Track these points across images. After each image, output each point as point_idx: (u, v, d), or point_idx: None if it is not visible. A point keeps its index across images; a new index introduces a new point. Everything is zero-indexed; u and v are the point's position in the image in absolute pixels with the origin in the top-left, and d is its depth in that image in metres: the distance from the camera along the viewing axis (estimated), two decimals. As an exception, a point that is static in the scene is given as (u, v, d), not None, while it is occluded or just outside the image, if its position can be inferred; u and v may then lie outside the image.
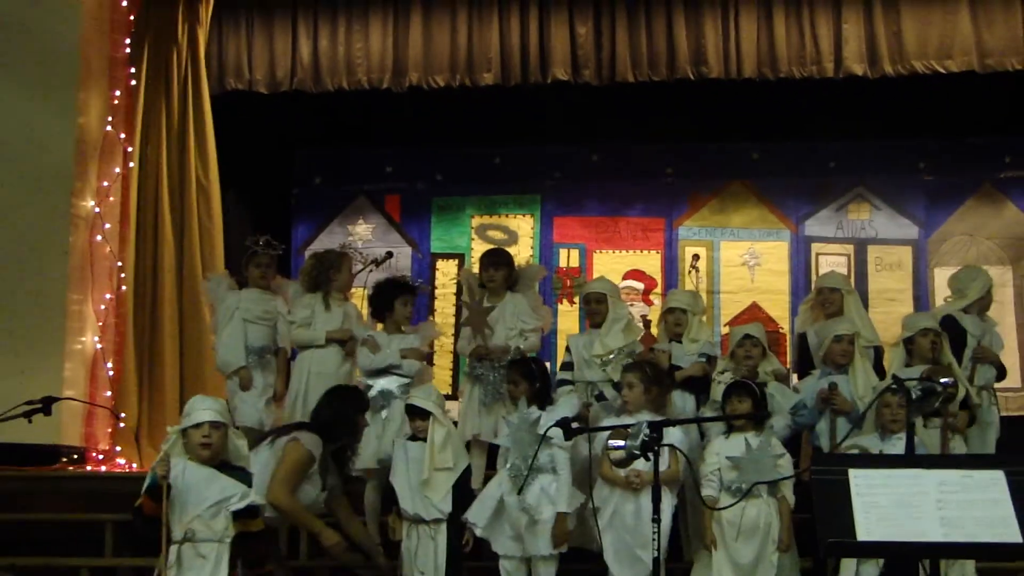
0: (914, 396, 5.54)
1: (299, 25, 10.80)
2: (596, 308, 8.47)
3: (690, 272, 11.40)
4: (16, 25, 9.98)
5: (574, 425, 6.17)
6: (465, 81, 10.65)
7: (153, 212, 10.49)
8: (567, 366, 8.52)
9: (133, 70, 10.58)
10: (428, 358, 9.19)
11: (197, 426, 6.27)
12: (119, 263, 10.31)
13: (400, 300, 8.52)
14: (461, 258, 11.86)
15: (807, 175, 11.83)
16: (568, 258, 11.91)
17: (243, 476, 6.35)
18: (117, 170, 10.38)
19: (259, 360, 8.88)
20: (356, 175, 12.19)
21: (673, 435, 6.88)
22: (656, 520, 5.03)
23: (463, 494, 7.25)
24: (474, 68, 10.62)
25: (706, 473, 7.34)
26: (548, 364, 9.38)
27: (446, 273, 11.86)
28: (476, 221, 11.95)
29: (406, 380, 8.26)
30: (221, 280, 9.14)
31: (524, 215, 12.03)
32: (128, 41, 10.60)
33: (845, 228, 11.79)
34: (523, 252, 11.71)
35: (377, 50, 10.69)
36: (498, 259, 8.64)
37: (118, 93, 10.48)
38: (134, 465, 10.06)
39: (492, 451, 8.11)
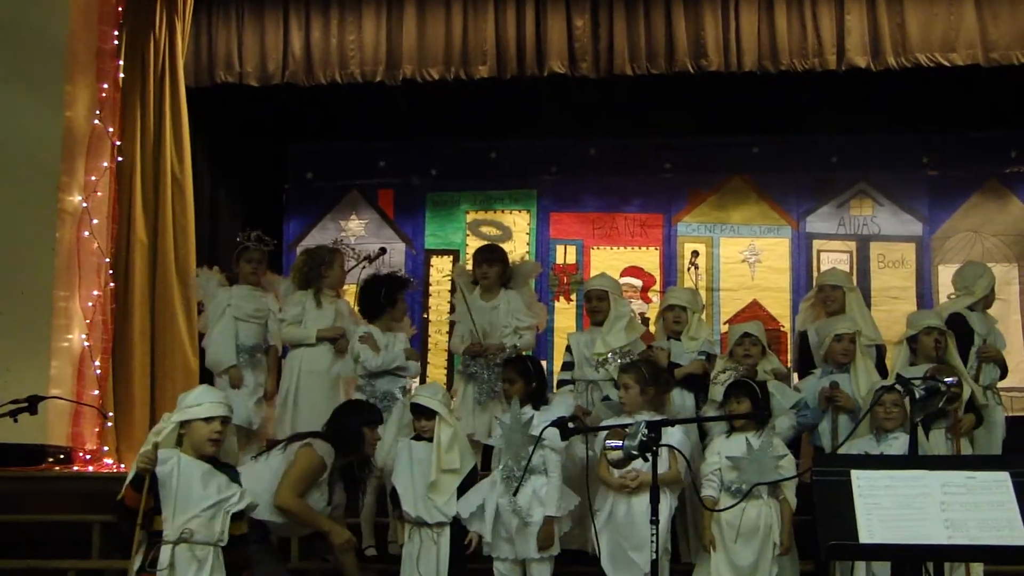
0: (918, 396, 5.49)
1: (291, 17, 10.69)
2: (597, 306, 8.41)
3: (689, 269, 11.30)
4: (2, 17, 9.89)
5: (570, 425, 6.09)
6: (460, 74, 10.56)
7: (128, 207, 10.40)
8: (568, 366, 8.41)
9: (121, 63, 10.45)
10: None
11: (207, 420, 6.12)
12: (107, 259, 10.19)
13: (401, 296, 8.51)
14: (456, 254, 11.76)
15: (808, 170, 11.76)
16: (565, 254, 11.84)
17: (233, 474, 6.23)
18: (105, 164, 10.29)
19: (250, 359, 8.89)
20: (349, 169, 12.13)
21: (672, 435, 6.78)
22: (655, 522, 4.95)
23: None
24: (469, 61, 10.53)
25: (706, 473, 7.29)
26: (544, 363, 9.31)
27: (440, 270, 11.77)
28: (471, 216, 11.82)
29: (404, 381, 8.22)
30: (211, 276, 9.11)
31: (520, 211, 11.95)
32: (116, 33, 10.47)
33: (847, 224, 11.71)
34: (519, 248, 11.67)
35: (370, 42, 10.59)
36: (492, 255, 8.59)
37: (106, 86, 10.39)
38: (122, 465, 9.95)
39: (486, 451, 8.03)
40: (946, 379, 5.86)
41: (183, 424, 6.12)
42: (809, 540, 6.86)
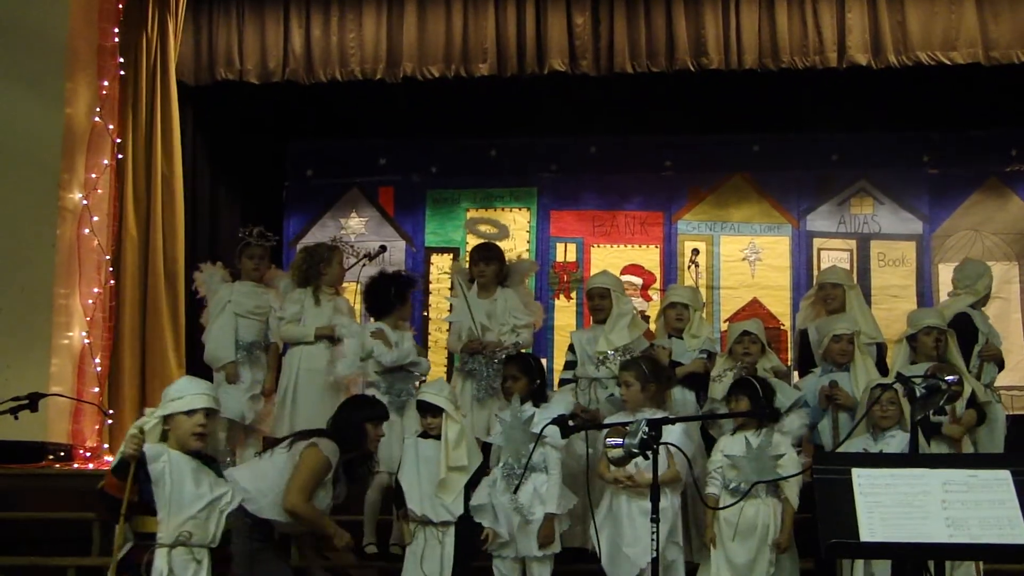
0: (919, 394, 5.47)
1: (291, 14, 10.69)
2: (600, 304, 8.39)
3: (690, 267, 11.29)
4: (2, 14, 9.88)
5: (571, 423, 6.08)
6: (460, 72, 10.55)
7: (120, 204, 10.41)
8: (571, 364, 8.40)
9: (122, 60, 10.44)
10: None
11: (190, 413, 5.90)
12: (107, 256, 10.18)
13: (410, 294, 8.52)
14: (456, 252, 11.74)
15: (809, 168, 11.74)
16: (565, 252, 11.82)
17: (217, 469, 6.08)
18: (105, 161, 10.28)
19: (248, 356, 8.88)
20: (349, 167, 12.11)
21: (672, 433, 6.71)
22: (655, 520, 4.91)
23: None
24: (469, 58, 10.52)
25: (711, 471, 7.28)
26: (545, 361, 9.31)
27: (440, 267, 11.76)
28: (470, 215, 11.80)
29: (416, 378, 8.23)
30: (215, 272, 9.11)
31: (520, 208, 11.93)
32: (116, 30, 10.46)
33: (847, 223, 11.70)
34: (519, 246, 11.67)
35: (371, 40, 10.58)
36: (489, 254, 8.58)
37: (106, 83, 10.37)
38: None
39: (484, 448, 7.97)
40: (947, 377, 5.85)
41: (167, 419, 5.92)
42: (810, 538, 6.87)
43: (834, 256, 11.53)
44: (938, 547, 4.28)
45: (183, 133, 10.79)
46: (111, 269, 10.23)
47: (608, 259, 11.59)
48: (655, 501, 4.95)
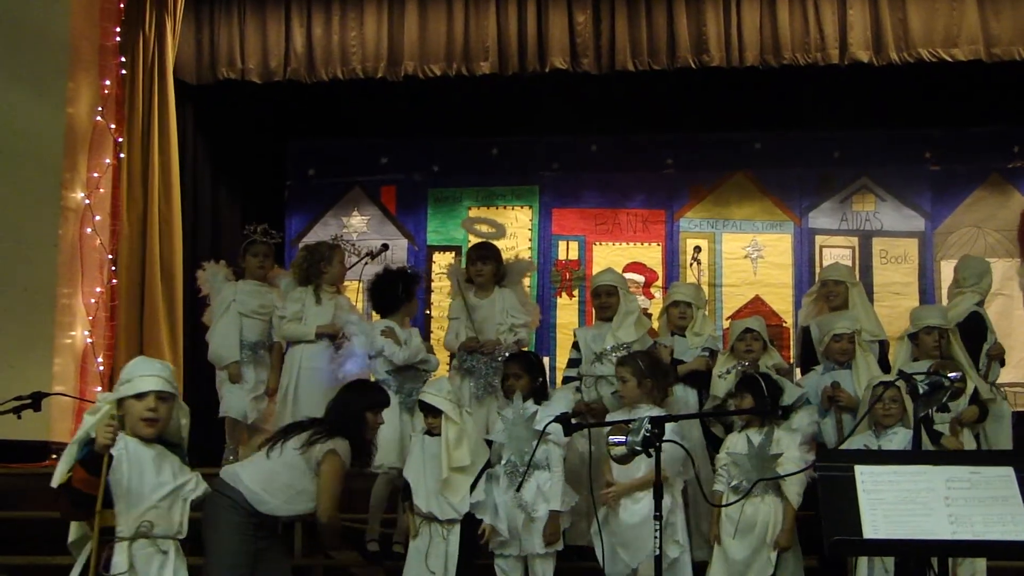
0: (921, 391, 5.47)
1: (292, 13, 10.67)
2: (607, 301, 8.39)
3: (691, 265, 11.29)
4: (4, 13, 9.88)
5: (573, 421, 6.08)
6: (462, 70, 10.53)
7: (117, 204, 10.43)
8: (575, 362, 8.39)
9: (123, 59, 10.44)
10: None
11: (139, 396, 5.52)
12: (109, 256, 10.19)
13: (416, 290, 8.54)
14: (458, 250, 11.73)
15: (811, 165, 11.74)
16: (567, 250, 11.81)
17: (182, 456, 5.75)
18: (107, 161, 10.29)
19: (252, 355, 8.90)
20: (351, 166, 12.12)
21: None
22: (658, 518, 4.93)
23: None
24: (471, 57, 10.51)
25: (717, 468, 7.31)
26: (547, 359, 9.31)
27: (442, 266, 11.72)
28: (469, 214, 11.79)
29: (426, 376, 8.21)
30: (218, 271, 9.14)
31: (522, 207, 11.93)
32: (118, 30, 10.47)
33: (850, 220, 11.70)
34: (521, 244, 11.68)
35: (372, 38, 10.57)
36: (486, 253, 8.57)
37: (108, 83, 10.40)
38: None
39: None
40: (949, 374, 5.85)
41: (120, 404, 5.55)
42: (813, 536, 6.88)
43: (836, 253, 11.53)
44: (941, 544, 4.26)
45: (184, 133, 10.80)
46: (113, 268, 10.24)
47: (610, 257, 11.60)
48: (658, 499, 4.94)
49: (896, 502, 4.27)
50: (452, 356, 8.67)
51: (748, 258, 11.68)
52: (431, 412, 7.09)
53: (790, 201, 11.75)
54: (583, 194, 11.90)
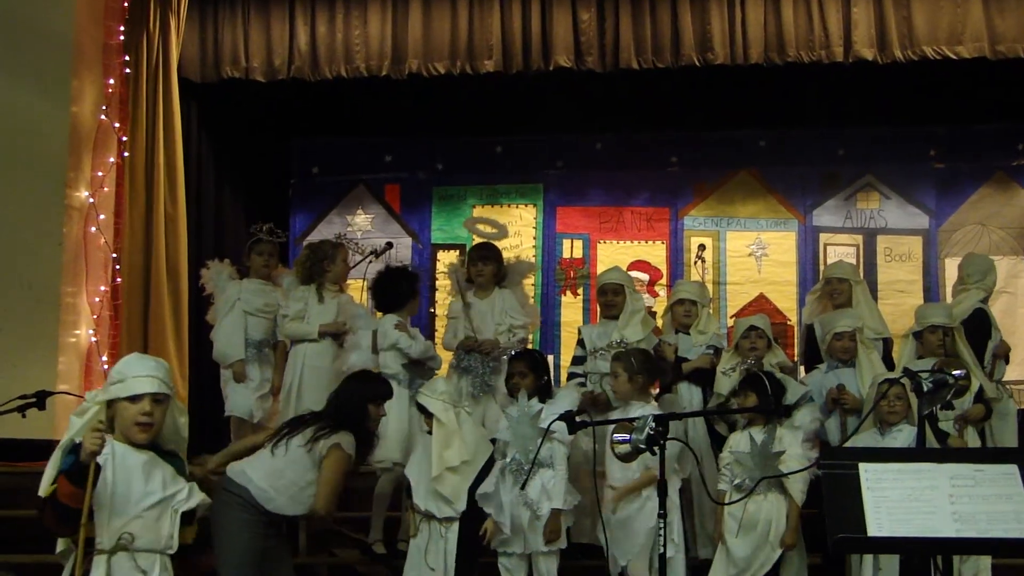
0: (926, 388, 5.46)
1: (296, 12, 10.67)
2: (612, 300, 8.39)
3: (696, 263, 11.28)
4: (8, 12, 9.88)
5: (577, 419, 6.07)
6: (466, 68, 10.53)
7: (121, 202, 10.46)
8: (579, 360, 8.40)
9: (128, 57, 10.45)
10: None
11: (134, 399, 5.07)
12: (113, 254, 10.20)
13: (418, 289, 8.54)
14: (462, 249, 11.72)
15: (815, 163, 11.72)
16: (571, 249, 11.80)
17: (179, 465, 5.27)
18: (111, 160, 10.30)
19: (257, 353, 8.91)
20: (355, 164, 12.11)
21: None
22: (662, 515, 4.92)
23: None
24: (475, 55, 10.50)
25: (721, 467, 7.31)
26: (551, 357, 9.31)
27: (447, 264, 11.68)
28: (477, 211, 11.78)
29: (431, 374, 8.21)
30: (222, 269, 9.16)
31: (526, 205, 11.93)
32: (122, 28, 10.47)
33: (854, 218, 11.69)
34: (525, 242, 11.67)
35: (376, 36, 10.57)
36: (487, 253, 8.55)
37: (112, 81, 10.42)
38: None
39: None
40: (954, 372, 5.84)
41: (110, 405, 5.13)
42: (817, 533, 6.88)
43: (840, 251, 11.52)
44: (945, 541, 4.26)
45: (189, 131, 10.82)
46: (117, 267, 10.24)
47: (614, 255, 11.59)
48: (662, 497, 4.94)
49: (900, 500, 4.27)
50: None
51: (752, 256, 11.67)
52: (426, 412, 7.10)
53: (794, 199, 11.74)
54: (587, 192, 11.90)
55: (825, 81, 10.77)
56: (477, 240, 9.05)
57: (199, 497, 5.17)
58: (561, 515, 6.97)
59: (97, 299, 10.14)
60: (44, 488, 5.01)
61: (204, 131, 11.14)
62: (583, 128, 11.76)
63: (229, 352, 8.88)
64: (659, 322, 9.01)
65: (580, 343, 8.49)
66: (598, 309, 8.76)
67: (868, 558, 6.98)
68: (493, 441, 7.28)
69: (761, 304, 11.42)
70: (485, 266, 8.46)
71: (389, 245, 10.38)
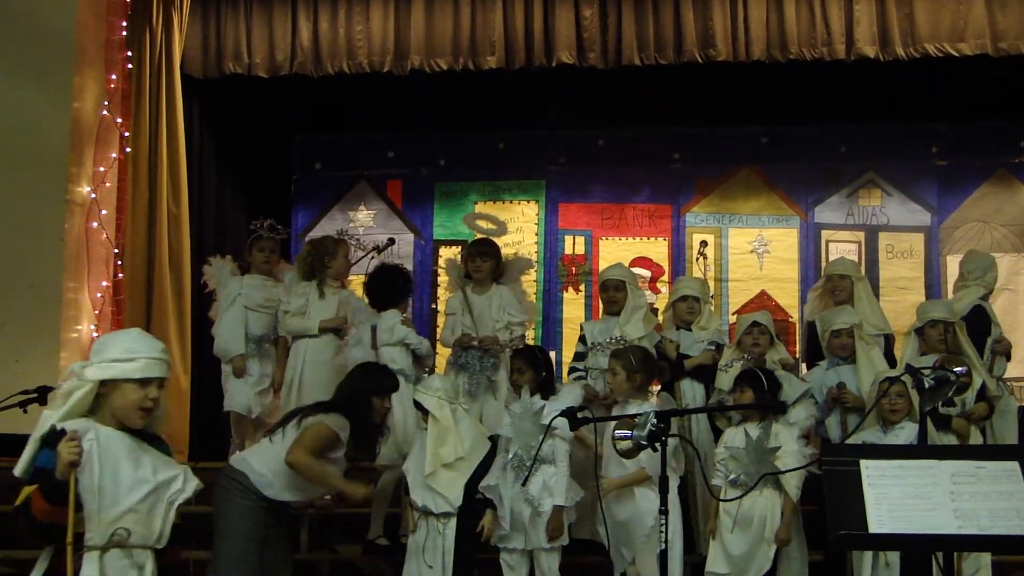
0: (927, 385, 5.47)
1: (299, 7, 10.64)
2: (614, 296, 8.42)
3: (698, 259, 11.26)
4: (10, 8, 9.88)
5: (579, 415, 6.08)
6: (468, 64, 10.50)
7: (123, 198, 10.44)
8: (581, 355, 8.41)
9: (129, 53, 10.45)
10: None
11: (143, 382, 4.72)
12: (115, 250, 10.20)
13: (412, 287, 8.61)
14: (464, 245, 11.54)
15: (817, 160, 11.69)
16: (574, 245, 11.79)
17: (165, 449, 4.90)
18: (113, 155, 10.29)
19: (258, 348, 8.95)
20: (357, 160, 12.08)
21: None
22: (663, 512, 4.93)
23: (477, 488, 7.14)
24: (477, 51, 10.48)
25: (716, 463, 7.32)
26: (553, 353, 9.31)
27: (456, 258, 11.70)
28: (479, 207, 11.78)
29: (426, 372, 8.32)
30: (224, 265, 9.18)
31: (528, 201, 11.91)
32: (124, 24, 10.46)
33: (856, 215, 11.67)
34: (527, 239, 11.67)
35: (378, 32, 10.55)
36: (486, 249, 8.56)
37: (114, 77, 10.39)
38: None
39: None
40: (956, 368, 5.85)
41: (102, 383, 4.70)
42: (818, 531, 6.88)
43: (842, 248, 11.50)
44: (947, 538, 4.26)
45: (191, 127, 10.81)
46: (119, 263, 10.25)
47: (617, 252, 11.57)
48: (664, 493, 4.94)
49: (902, 497, 4.28)
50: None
51: (754, 253, 11.66)
52: (423, 409, 7.11)
53: (796, 196, 11.72)
54: (589, 189, 11.88)
55: (827, 78, 10.74)
56: (477, 236, 9.02)
57: (195, 484, 4.79)
58: (563, 512, 6.98)
59: (99, 295, 10.13)
60: (20, 469, 4.59)
61: (206, 127, 11.13)
62: (585, 124, 11.75)
63: (229, 347, 8.92)
64: (660, 318, 9.02)
65: (582, 339, 8.51)
66: (600, 305, 8.76)
67: (869, 555, 7.00)
68: (492, 438, 7.30)
69: (763, 301, 11.40)
70: (484, 262, 8.46)
71: (391, 241, 10.43)
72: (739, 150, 11.75)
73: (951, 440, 7.63)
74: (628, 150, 11.80)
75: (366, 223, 11.88)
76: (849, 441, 7.17)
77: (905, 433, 7.08)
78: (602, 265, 10.68)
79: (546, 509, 6.95)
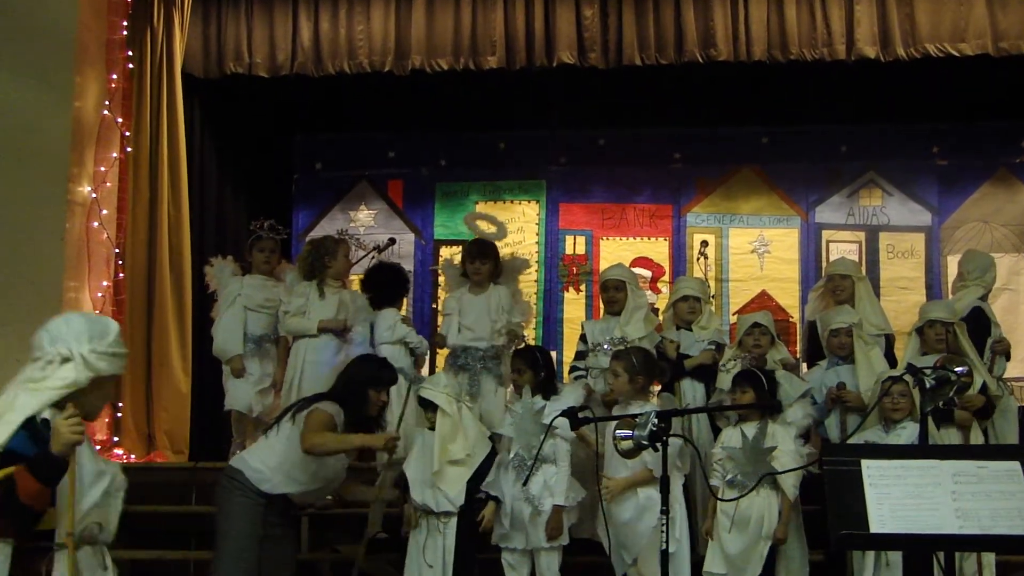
0: (928, 385, 5.46)
1: (299, 7, 10.64)
2: (614, 296, 8.42)
3: (698, 259, 11.24)
4: (11, 7, 9.85)
5: (580, 415, 6.09)
6: (469, 64, 10.50)
7: (124, 198, 10.45)
8: (582, 355, 8.42)
9: (131, 53, 10.45)
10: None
11: (113, 377, 4.56)
12: (116, 250, 10.20)
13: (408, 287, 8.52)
14: (465, 244, 11.68)
15: (817, 160, 11.71)
16: (574, 245, 11.79)
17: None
18: (114, 155, 10.28)
19: (257, 348, 8.96)
20: (358, 160, 12.09)
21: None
22: (664, 511, 4.93)
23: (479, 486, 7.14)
24: (478, 51, 10.48)
25: (712, 463, 7.29)
26: (554, 353, 9.30)
27: (452, 259, 11.69)
28: (480, 207, 11.78)
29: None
30: (226, 266, 9.20)
31: (529, 201, 11.92)
32: (125, 24, 10.46)
33: (856, 215, 11.67)
34: (528, 239, 11.68)
35: (379, 32, 10.55)
36: (485, 251, 8.53)
37: (115, 77, 10.39)
38: (132, 456, 9.98)
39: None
40: (956, 368, 5.85)
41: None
42: (819, 530, 6.88)
43: (843, 248, 11.51)
44: (948, 538, 4.27)
45: (192, 127, 10.82)
46: (120, 262, 10.25)
47: (617, 252, 11.58)
48: (665, 494, 4.94)
49: (903, 497, 4.28)
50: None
51: (755, 253, 11.67)
52: (429, 407, 7.11)
53: (797, 196, 11.73)
54: (590, 189, 11.89)
55: (828, 78, 10.73)
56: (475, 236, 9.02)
57: (123, 479, 4.54)
58: (564, 511, 6.98)
59: (100, 294, 10.12)
60: None
61: (207, 126, 11.14)
62: (586, 124, 11.76)
63: (227, 348, 8.94)
64: (660, 319, 9.02)
65: (582, 338, 8.51)
66: (601, 305, 8.77)
67: (871, 555, 6.99)
68: (491, 438, 7.30)
69: (763, 301, 11.41)
70: (483, 265, 8.45)
71: (392, 241, 10.42)
72: (740, 150, 11.77)
73: (953, 435, 7.63)
74: (629, 150, 11.81)
75: (367, 223, 11.89)
76: (851, 441, 7.16)
77: (907, 433, 7.07)
78: (603, 265, 10.69)
79: (546, 509, 6.94)
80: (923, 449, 5.35)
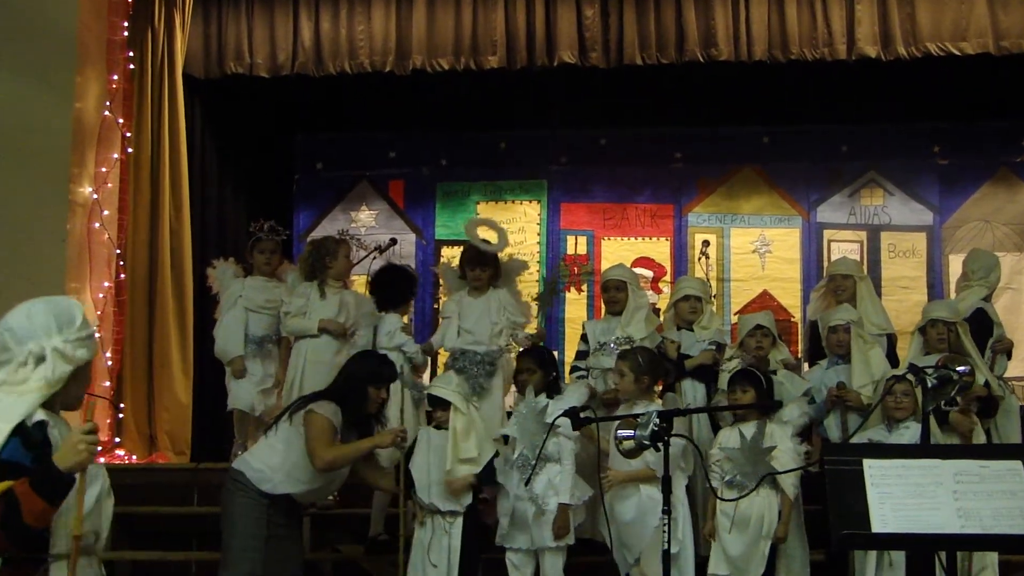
0: (930, 384, 5.46)
1: (300, 7, 10.64)
2: (615, 296, 8.41)
3: (700, 259, 11.24)
4: (12, 8, 9.86)
5: (583, 415, 6.08)
6: (470, 64, 10.49)
7: (125, 198, 10.46)
8: (583, 354, 8.41)
9: (131, 53, 10.45)
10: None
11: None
12: (117, 250, 10.20)
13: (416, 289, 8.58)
14: (465, 246, 11.66)
15: (819, 160, 11.72)
16: (576, 245, 11.79)
17: None
18: (115, 156, 10.28)
19: (259, 349, 8.96)
20: (359, 160, 12.10)
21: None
22: (666, 511, 4.92)
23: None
24: (479, 51, 10.48)
25: (711, 464, 7.28)
26: (556, 353, 9.31)
27: (451, 260, 11.68)
28: (481, 207, 11.78)
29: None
30: (227, 267, 9.19)
31: (530, 201, 11.92)
32: (125, 24, 10.47)
33: (858, 214, 11.68)
34: (529, 239, 11.69)
35: (380, 32, 10.55)
36: (485, 259, 8.48)
37: (115, 77, 10.39)
38: (134, 457, 9.98)
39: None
40: (958, 368, 5.84)
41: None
42: (820, 530, 6.87)
43: (844, 248, 11.51)
44: (950, 537, 4.27)
45: (193, 127, 10.82)
46: (121, 263, 10.25)
47: (618, 252, 11.59)
48: (667, 493, 4.94)
49: (905, 496, 4.28)
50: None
51: (756, 252, 11.67)
52: (440, 405, 7.10)
53: (798, 195, 11.74)
54: (591, 189, 11.89)
55: (829, 78, 10.73)
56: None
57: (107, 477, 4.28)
58: (569, 510, 6.97)
59: (101, 295, 10.12)
60: None
61: (208, 127, 11.14)
62: (587, 124, 11.77)
63: (228, 349, 8.93)
64: (661, 318, 9.01)
65: (583, 338, 8.51)
66: (602, 305, 8.76)
67: (873, 555, 6.99)
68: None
69: (765, 301, 11.41)
70: (483, 272, 8.40)
71: (393, 241, 10.38)
72: (741, 150, 11.77)
73: (954, 437, 7.63)
74: (630, 150, 11.82)
75: (368, 223, 11.89)
76: (853, 440, 7.16)
77: (910, 432, 7.07)
78: (604, 265, 10.70)
79: (551, 507, 6.93)
80: (925, 448, 5.34)
